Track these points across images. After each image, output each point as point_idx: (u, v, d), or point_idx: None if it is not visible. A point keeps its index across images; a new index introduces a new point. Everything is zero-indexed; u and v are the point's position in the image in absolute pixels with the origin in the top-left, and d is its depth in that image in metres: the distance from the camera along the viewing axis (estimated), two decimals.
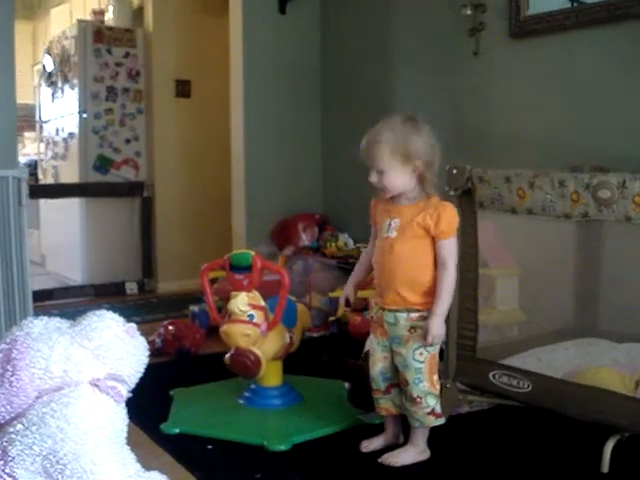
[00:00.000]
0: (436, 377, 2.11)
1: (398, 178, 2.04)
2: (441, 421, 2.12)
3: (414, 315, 2.07)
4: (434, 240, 2.05)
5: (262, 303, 2.42)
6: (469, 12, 3.44)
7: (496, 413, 2.45)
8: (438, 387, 2.11)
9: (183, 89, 5.18)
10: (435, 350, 2.10)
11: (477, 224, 2.29)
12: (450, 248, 2.06)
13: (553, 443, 2.23)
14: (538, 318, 2.55)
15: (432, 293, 2.06)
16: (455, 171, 2.29)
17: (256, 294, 2.43)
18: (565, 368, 2.30)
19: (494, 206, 2.20)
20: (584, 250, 2.55)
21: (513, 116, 3.33)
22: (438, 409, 2.10)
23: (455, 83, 3.63)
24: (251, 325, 2.36)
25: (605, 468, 1.99)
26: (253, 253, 2.46)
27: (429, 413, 2.09)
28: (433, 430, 2.31)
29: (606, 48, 2.92)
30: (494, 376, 2.25)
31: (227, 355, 2.43)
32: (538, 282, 2.51)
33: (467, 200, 2.28)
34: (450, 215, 2.05)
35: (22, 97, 4.05)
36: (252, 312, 2.37)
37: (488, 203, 2.22)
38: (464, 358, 2.35)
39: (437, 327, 2.03)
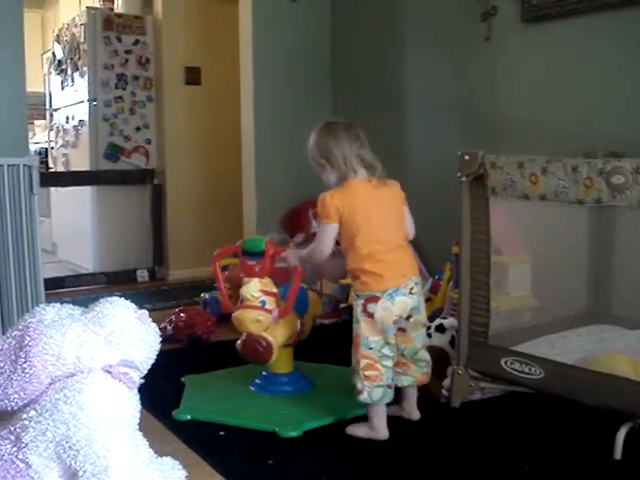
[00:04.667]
0: (358, 355, 2.17)
1: (323, 177, 2.29)
2: (362, 398, 2.18)
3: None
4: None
5: (274, 289, 2.42)
6: None
7: (508, 400, 2.45)
8: (360, 367, 2.17)
9: (193, 76, 5.17)
10: (357, 329, 2.18)
11: (489, 210, 2.28)
12: (319, 231, 2.27)
13: (565, 430, 2.23)
14: (551, 305, 2.54)
15: (356, 276, 2.20)
16: (467, 157, 2.28)
17: (268, 280, 2.42)
18: (577, 355, 2.29)
19: (506, 192, 2.19)
20: (597, 236, 2.53)
21: (525, 102, 3.30)
22: (359, 386, 2.18)
23: (467, 68, 3.61)
24: (263, 311, 2.36)
25: (618, 455, 1.98)
26: (266, 239, 2.46)
27: (354, 388, 2.19)
28: (445, 416, 2.31)
29: (619, 32, 2.89)
30: (506, 363, 2.25)
31: (239, 341, 2.43)
32: (551, 268, 2.50)
33: (479, 186, 2.27)
34: (319, 201, 2.21)
35: (32, 85, 4.05)
36: (264, 298, 2.37)
37: (500, 189, 2.20)
38: (476, 345, 2.34)
39: (290, 254, 2.39)
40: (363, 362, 2.17)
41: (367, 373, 2.16)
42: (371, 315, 2.15)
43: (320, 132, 2.28)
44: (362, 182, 2.22)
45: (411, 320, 2.23)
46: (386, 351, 2.18)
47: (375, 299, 2.15)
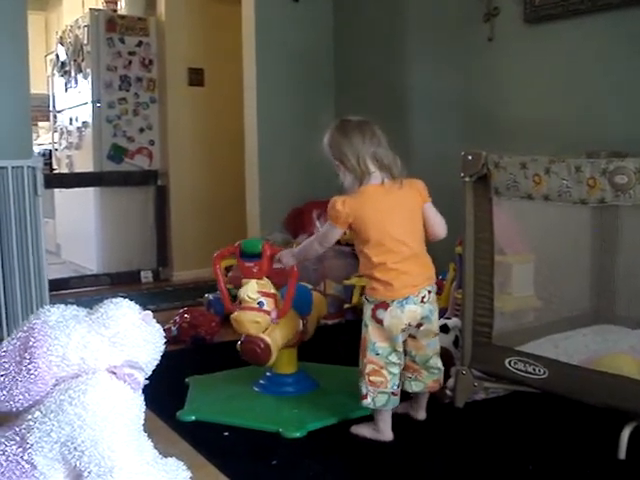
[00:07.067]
0: (365, 360, 2.16)
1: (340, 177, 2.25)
2: (365, 403, 2.17)
3: None
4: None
5: (272, 290, 2.41)
6: None
7: (512, 400, 2.44)
8: (366, 371, 2.16)
9: (196, 77, 5.17)
10: (365, 333, 2.17)
11: (492, 210, 2.28)
12: (324, 229, 2.27)
13: (569, 430, 2.23)
14: (554, 304, 2.54)
15: (367, 280, 2.18)
16: (470, 157, 2.28)
17: (267, 281, 2.42)
18: (581, 355, 2.29)
19: (510, 192, 2.19)
20: (600, 236, 2.53)
21: (528, 102, 3.30)
22: (363, 391, 2.17)
23: (470, 69, 3.61)
24: (261, 312, 2.36)
25: (622, 455, 1.98)
26: (263, 240, 2.46)
27: (359, 391, 2.18)
28: (449, 417, 2.31)
29: (622, 32, 2.89)
30: (510, 363, 2.25)
31: (239, 343, 2.43)
32: (554, 268, 2.50)
33: (482, 186, 2.27)
34: (330, 204, 2.18)
35: (35, 87, 4.05)
36: (262, 299, 2.37)
37: (504, 189, 2.20)
38: (480, 345, 2.34)
39: (285, 255, 2.36)
40: (369, 367, 2.15)
41: (372, 378, 2.15)
42: (380, 321, 2.13)
43: (332, 132, 2.23)
44: (375, 188, 2.16)
45: (422, 328, 2.20)
46: (393, 358, 2.16)
47: (384, 306, 2.12)
